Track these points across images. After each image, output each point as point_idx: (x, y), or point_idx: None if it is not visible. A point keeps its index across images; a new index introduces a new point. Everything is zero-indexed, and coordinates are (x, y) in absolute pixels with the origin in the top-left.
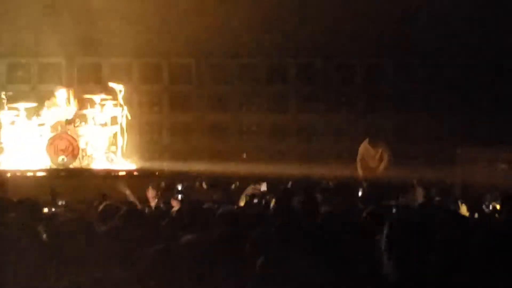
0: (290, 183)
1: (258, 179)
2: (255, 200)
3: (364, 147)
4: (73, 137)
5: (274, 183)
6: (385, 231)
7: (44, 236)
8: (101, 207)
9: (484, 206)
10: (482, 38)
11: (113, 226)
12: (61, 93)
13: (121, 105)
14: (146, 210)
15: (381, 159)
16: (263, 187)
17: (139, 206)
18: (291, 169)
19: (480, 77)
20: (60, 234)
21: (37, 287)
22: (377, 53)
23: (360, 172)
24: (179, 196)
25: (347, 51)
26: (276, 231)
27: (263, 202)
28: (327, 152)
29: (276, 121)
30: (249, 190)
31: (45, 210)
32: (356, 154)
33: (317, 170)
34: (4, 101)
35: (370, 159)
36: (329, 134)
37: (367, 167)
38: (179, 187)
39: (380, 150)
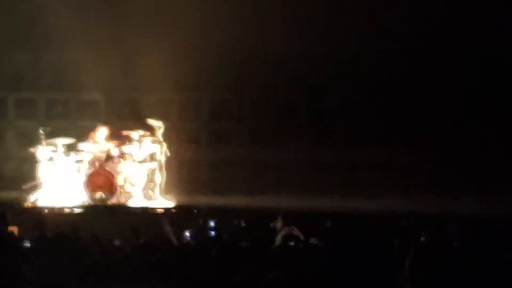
0: (328, 222)
1: (297, 216)
2: (291, 243)
3: None
4: (111, 174)
5: (313, 220)
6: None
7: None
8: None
9: None
10: None
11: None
12: (100, 130)
13: (160, 142)
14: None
15: None
16: (296, 231)
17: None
18: (330, 204)
19: None
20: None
21: None
22: None
23: None
24: (212, 233)
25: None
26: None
27: (299, 244)
28: (368, 186)
29: (316, 157)
30: (284, 232)
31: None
32: None
33: (361, 205)
34: (43, 136)
35: None
36: (373, 168)
37: None
38: (212, 224)
39: None
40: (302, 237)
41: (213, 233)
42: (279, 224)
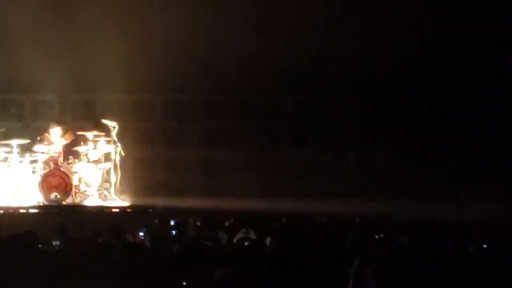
0: (284, 219)
1: (252, 216)
2: (246, 243)
3: None
4: (66, 174)
5: (268, 219)
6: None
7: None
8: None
9: None
10: None
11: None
12: (54, 130)
13: (114, 142)
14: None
15: None
16: (252, 234)
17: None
18: (285, 205)
19: None
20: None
21: None
22: None
23: None
24: (167, 232)
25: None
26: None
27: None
28: (321, 189)
29: (269, 158)
30: (240, 234)
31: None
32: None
33: (312, 207)
34: None
35: None
36: (327, 170)
37: None
38: (166, 223)
39: None
40: (255, 237)
41: (167, 232)
42: (233, 223)
